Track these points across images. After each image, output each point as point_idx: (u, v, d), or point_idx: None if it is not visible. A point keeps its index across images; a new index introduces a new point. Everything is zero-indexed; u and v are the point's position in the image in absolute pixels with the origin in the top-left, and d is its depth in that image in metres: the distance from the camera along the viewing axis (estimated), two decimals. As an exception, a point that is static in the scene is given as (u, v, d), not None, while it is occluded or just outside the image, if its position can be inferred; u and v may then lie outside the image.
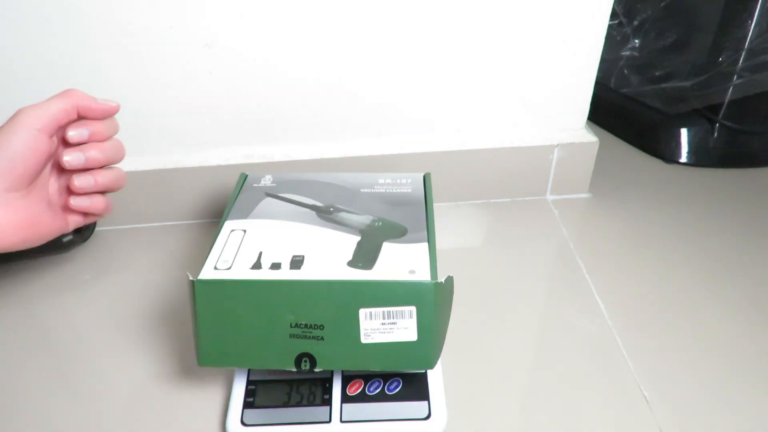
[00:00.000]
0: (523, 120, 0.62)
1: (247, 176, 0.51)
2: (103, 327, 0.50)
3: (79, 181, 0.44)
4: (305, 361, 0.37)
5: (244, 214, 0.44)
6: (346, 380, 0.41)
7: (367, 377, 0.41)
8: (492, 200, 0.65)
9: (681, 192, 0.66)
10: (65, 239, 0.55)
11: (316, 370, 0.37)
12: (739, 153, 0.71)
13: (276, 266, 0.38)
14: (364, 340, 0.36)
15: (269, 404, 0.40)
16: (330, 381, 0.41)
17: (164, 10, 0.51)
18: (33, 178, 0.42)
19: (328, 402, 0.40)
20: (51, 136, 0.42)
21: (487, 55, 0.57)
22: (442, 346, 0.39)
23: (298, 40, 0.54)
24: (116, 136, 0.46)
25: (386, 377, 0.41)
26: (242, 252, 0.40)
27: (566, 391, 0.44)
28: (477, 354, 0.47)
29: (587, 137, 0.62)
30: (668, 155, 0.72)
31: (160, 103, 0.57)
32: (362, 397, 0.40)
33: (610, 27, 0.59)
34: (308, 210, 0.45)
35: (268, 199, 0.47)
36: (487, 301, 0.52)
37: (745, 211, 0.63)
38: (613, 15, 0.62)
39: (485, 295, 0.52)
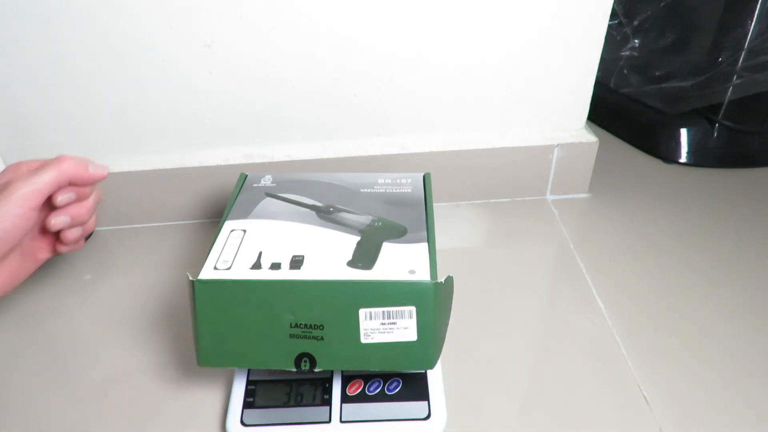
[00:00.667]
0: (523, 120, 0.62)
1: (247, 176, 0.51)
2: (103, 327, 0.50)
3: (56, 221, 0.44)
4: (305, 361, 0.37)
5: (244, 214, 0.44)
6: (346, 380, 0.41)
7: (367, 377, 0.41)
8: (492, 200, 0.65)
9: (681, 192, 0.66)
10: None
11: (316, 370, 0.37)
12: (739, 153, 0.71)
13: (276, 266, 0.38)
14: (363, 340, 0.36)
15: (269, 404, 0.40)
16: (330, 381, 0.41)
17: (164, 10, 0.51)
18: (14, 248, 0.43)
19: (327, 402, 0.40)
20: (40, 210, 0.43)
21: (487, 55, 0.57)
22: (442, 346, 0.39)
23: (298, 40, 0.54)
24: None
25: (386, 377, 0.41)
26: (242, 252, 0.40)
27: (566, 391, 0.44)
28: (477, 354, 0.47)
29: (587, 137, 0.62)
30: (668, 155, 0.72)
31: (160, 103, 0.57)
32: (362, 397, 0.40)
33: (610, 27, 0.59)
34: (308, 210, 0.45)
35: (268, 199, 0.47)
36: (487, 301, 0.52)
37: (744, 211, 0.63)
38: (613, 15, 0.62)
39: (485, 295, 0.52)
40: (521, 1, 0.54)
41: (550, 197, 0.66)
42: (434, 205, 0.64)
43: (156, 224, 0.63)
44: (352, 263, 0.38)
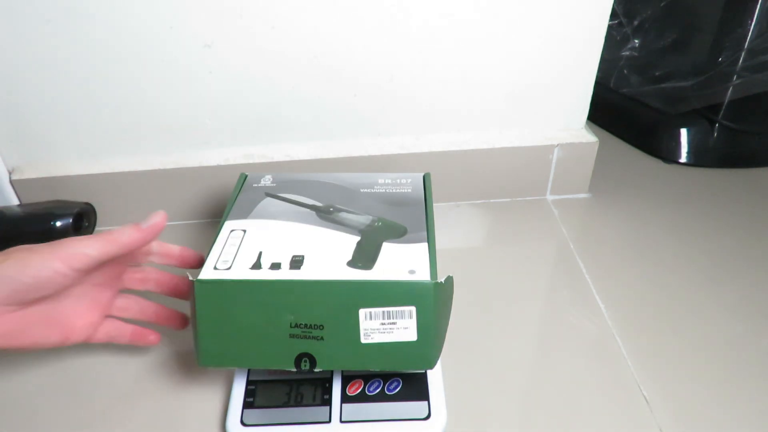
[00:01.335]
0: (523, 120, 0.62)
1: (247, 176, 0.51)
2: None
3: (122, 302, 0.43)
4: (305, 361, 0.37)
5: (244, 214, 0.44)
6: (346, 380, 0.41)
7: (367, 377, 0.41)
8: (492, 200, 0.65)
9: (681, 192, 0.66)
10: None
11: (316, 370, 0.37)
12: (739, 153, 0.71)
13: (276, 266, 0.38)
14: (363, 340, 0.36)
15: (269, 404, 0.40)
16: (330, 381, 0.41)
17: (164, 10, 0.51)
18: (41, 302, 0.38)
19: (328, 402, 0.40)
20: (83, 274, 0.38)
21: (486, 55, 0.57)
22: (442, 346, 0.39)
23: (298, 40, 0.54)
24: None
25: (386, 377, 0.41)
26: (242, 252, 0.40)
27: (566, 391, 0.44)
28: (477, 354, 0.47)
29: (587, 137, 0.62)
30: (668, 155, 0.72)
31: (160, 103, 0.57)
32: (362, 397, 0.40)
33: (610, 27, 0.59)
34: (308, 210, 0.45)
35: (268, 199, 0.47)
36: (487, 301, 0.52)
37: (744, 211, 0.63)
38: (613, 15, 0.62)
39: (485, 295, 0.52)
40: (521, 1, 0.54)
41: (550, 197, 0.66)
42: (434, 205, 0.63)
43: (156, 224, 0.63)
44: (352, 263, 0.38)
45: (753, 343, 0.47)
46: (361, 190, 0.48)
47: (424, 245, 0.40)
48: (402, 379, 0.41)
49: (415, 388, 0.41)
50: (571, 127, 0.63)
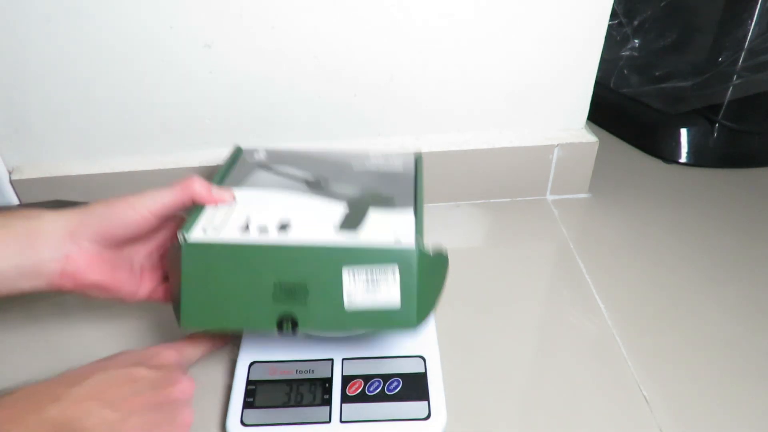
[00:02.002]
0: (523, 120, 0.62)
1: (242, 150, 0.52)
2: (103, 327, 0.50)
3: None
4: (287, 324, 0.37)
5: (236, 184, 0.45)
6: (346, 380, 0.41)
7: (367, 377, 0.41)
8: (492, 200, 0.65)
9: (681, 192, 0.66)
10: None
11: (299, 332, 0.37)
12: (739, 153, 0.71)
13: (263, 230, 0.38)
14: (347, 302, 0.37)
15: (269, 404, 0.40)
16: (330, 381, 0.41)
17: (164, 10, 0.51)
18: (120, 245, 0.42)
19: (327, 402, 0.40)
20: (159, 219, 0.41)
21: (486, 55, 0.57)
22: (430, 312, 0.39)
23: (298, 40, 0.54)
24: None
25: (386, 377, 0.41)
26: (231, 217, 0.40)
27: (566, 391, 0.44)
28: (477, 354, 0.47)
29: (587, 137, 0.62)
30: (668, 155, 0.72)
31: (160, 103, 0.57)
32: (362, 397, 0.40)
33: (610, 27, 0.59)
34: (299, 182, 0.46)
35: (261, 172, 0.47)
36: (487, 301, 0.52)
37: (744, 211, 0.63)
38: (613, 15, 0.62)
39: (485, 295, 0.52)
40: (521, 1, 0.54)
41: (550, 197, 0.66)
42: (434, 205, 0.64)
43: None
44: (337, 228, 0.38)
45: (753, 343, 0.47)
46: (353, 165, 0.49)
47: (410, 214, 0.41)
48: (402, 379, 0.41)
49: (415, 388, 0.41)
50: (571, 127, 0.63)
